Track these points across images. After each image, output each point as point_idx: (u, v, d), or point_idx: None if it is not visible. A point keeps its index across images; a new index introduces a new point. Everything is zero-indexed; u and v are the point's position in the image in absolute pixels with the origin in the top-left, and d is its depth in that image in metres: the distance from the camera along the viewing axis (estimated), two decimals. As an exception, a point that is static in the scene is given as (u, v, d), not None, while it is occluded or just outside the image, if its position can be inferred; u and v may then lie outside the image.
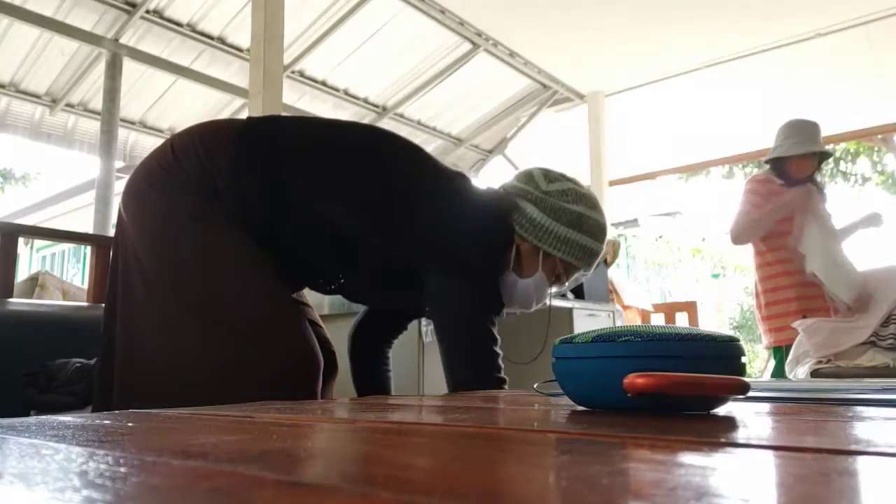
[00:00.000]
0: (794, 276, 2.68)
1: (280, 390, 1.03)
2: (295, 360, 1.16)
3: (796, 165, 2.76)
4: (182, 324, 1.12)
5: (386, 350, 1.54)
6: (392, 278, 1.30)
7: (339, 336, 2.19)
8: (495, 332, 1.23)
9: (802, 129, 2.78)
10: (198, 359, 1.10)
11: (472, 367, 1.20)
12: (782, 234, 2.68)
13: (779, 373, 2.70)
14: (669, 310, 4.43)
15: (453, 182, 1.26)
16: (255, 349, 1.12)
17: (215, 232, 1.15)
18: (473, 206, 1.26)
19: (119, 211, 1.25)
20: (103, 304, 1.25)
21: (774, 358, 2.80)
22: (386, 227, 1.22)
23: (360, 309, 1.54)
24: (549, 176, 1.30)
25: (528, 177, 1.31)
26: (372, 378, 1.49)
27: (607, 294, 3.48)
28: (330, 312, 2.25)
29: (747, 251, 2.92)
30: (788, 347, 2.63)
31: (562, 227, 1.24)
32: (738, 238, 2.76)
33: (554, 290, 1.34)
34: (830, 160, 9.82)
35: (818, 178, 2.91)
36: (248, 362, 1.11)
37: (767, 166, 2.84)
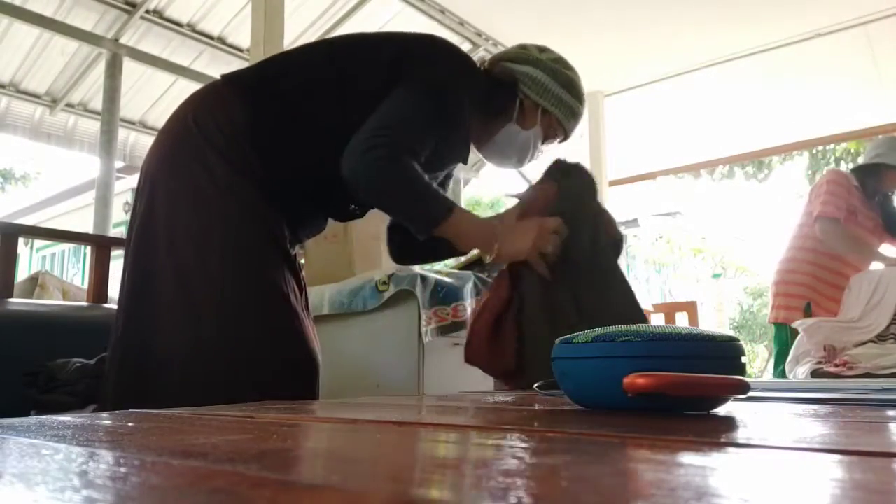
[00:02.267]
0: (813, 266, 2.70)
1: (280, 391, 1.03)
2: (296, 362, 1.16)
3: (887, 178, 2.75)
4: (183, 318, 1.12)
5: None
6: None
7: (340, 335, 2.19)
8: (425, 141, 1.20)
9: None
10: (203, 355, 1.10)
11: (379, 133, 1.14)
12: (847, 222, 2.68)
13: (782, 353, 2.71)
14: (669, 310, 4.43)
15: (458, 50, 1.35)
16: (258, 350, 1.12)
17: (244, 209, 1.16)
18: (474, 65, 1.34)
19: (142, 200, 1.22)
20: (104, 304, 1.25)
21: (778, 339, 2.80)
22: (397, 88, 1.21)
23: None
24: (540, 47, 1.40)
25: (522, 47, 1.41)
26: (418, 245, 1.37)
27: (607, 294, 3.48)
28: (329, 312, 2.25)
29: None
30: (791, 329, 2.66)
31: (558, 87, 1.35)
32: (826, 242, 2.71)
33: (542, 147, 1.42)
34: (829, 160, 9.84)
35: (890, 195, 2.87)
36: (248, 362, 1.11)
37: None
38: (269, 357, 1.13)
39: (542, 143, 1.41)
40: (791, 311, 2.71)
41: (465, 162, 1.39)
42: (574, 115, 1.39)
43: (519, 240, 1.17)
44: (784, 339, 2.72)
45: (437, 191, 1.19)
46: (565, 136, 1.43)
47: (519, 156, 1.41)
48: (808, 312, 2.59)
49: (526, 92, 1.34)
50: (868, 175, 2.76)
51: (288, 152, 1.22)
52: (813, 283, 2.72)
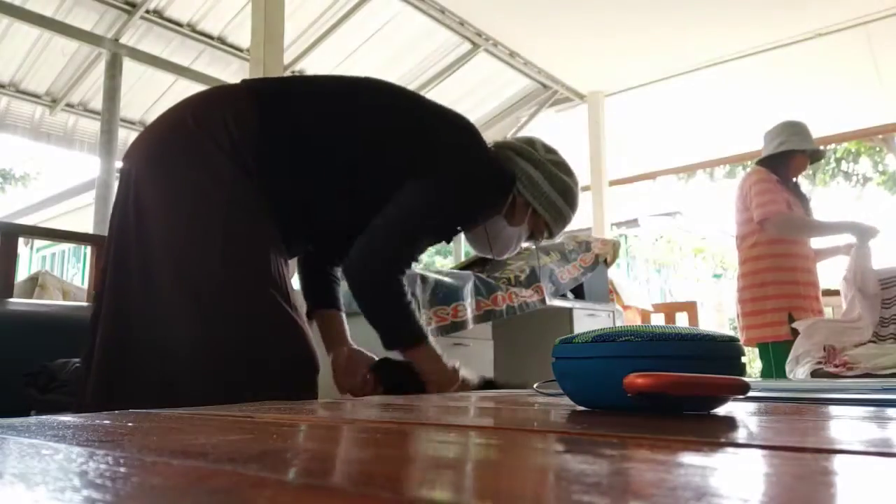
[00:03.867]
0: (783, 274, 2.69)
1: (280, 391, 1.03)
2: (296, 362, 1.16)
3: (798, 162, 2.77)
4: (185, 315, 1.11)
5: (335, 269, 1.53)
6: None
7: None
8: (422, 247, 1.32)
9: (800, 128, 2.79)
10: (199, 356, 1.10)
11: (382, 251, 1.25)
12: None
13: (767, 373, 2.69)
14: (669, 310, 4.43)
15: (470, 126, 1.38)
16: (258, 349, 1.12)
17: (244, 212, 1.16)
18: (485, 149, 1.37)
19: (125, 196, 1.21)
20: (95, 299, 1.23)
21: (762, 358, 2.77)
22: (406, 154, 1.28)
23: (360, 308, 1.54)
24: (547, 147, 1.44)
25: (529, 142, 1.44)
26: (316, 286, 1.47)
27: (607, 294, 3.48)
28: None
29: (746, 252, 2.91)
30: (775, 345, 2.63)
31: (554, 191, 1.38)
32: (788, 234, 2.71)
33: (524, 244, 1.47)
34: (830, 160, 9.84)
35: (797, 179, 2.90)
36: (250, 362, 1.11)
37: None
38: (271, 355, 1.13)
39: (526, 240, 1.45)
40: (775, 326, 2.67)
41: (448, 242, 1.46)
42: (563, 221, 1.42)
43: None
44: (769, 356, 2.69)
45: (415, 316, 1.28)
46: (550, 237, 1.46)
47: (499, 249, 1.44)
48: (791, 320, 2.55)
49: (521, 189, 1.37)
50: (778, 164, 2.75)
51: (288, 171, 1.23)
52: (787, 291, 2.68)
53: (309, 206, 1.27)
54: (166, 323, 1.12)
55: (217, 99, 1.27)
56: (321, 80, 1.37)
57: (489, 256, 1.50)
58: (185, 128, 1.19)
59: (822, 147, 2.78)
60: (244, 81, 1.31)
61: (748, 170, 3.02)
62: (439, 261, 9.63)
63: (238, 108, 1.21)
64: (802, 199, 2.83)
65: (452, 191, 1.29)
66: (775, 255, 2.71)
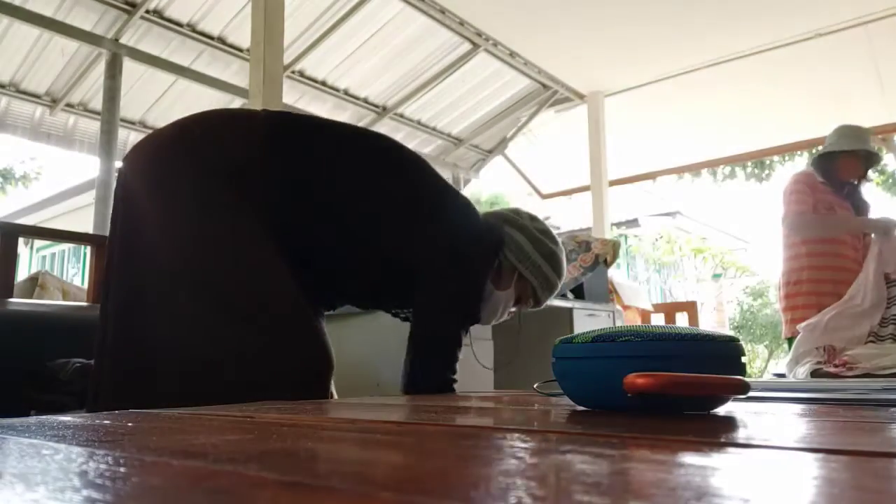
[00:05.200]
0: (822, 272, 2.71)
1: (297, 389, 1.04)
2: (313, 360, 1.16)
3: (843, 164, 2.77)
4: (205, 317, 1.11)
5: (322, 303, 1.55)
6: (386, 283, 1.35)
7: (340, 335, 2.19)
8: (464, 338, 1.35)
9: (851, 130, 2.79)
10: (220, 354, 1.10)
11: (437, 366, 1.31)
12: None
13: None
14: (669, 310, 4.43)
15: (458, 194, 1.41)
16: (276, 347, 1.12)
17: (245, 224, 1.16)
18: (475, 217, 1.41)
19: (122, 203, 1.22)
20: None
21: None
22: (398, 229, 1.29)
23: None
24: (533, 217, 1.47)
25: (516, 211, 1.48)
26: None
27: (607, 294, 3.48)
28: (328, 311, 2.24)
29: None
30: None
31: (539, 257, 1.40)
32: (802, 233, 2.74)
33: (511, 310, 1.48)
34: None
35: (863, 183, 2.89)
36: (269, 360, 1.12)
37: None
38: (292, 356, 1.14)
39: (513, 306, 1.47)
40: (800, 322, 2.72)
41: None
42: (549, 286, 1.44)
43: None
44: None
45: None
46: (536, 304, 1.48)
47: (487, 316, 1.45)
48: None
49: (507, 255, 1.40)
50: (827, 167, 2.77)
51: (290, 209, 1.23)
52: (818, 289, 2.71)
53: (303, 237, 1.27)
54: (178, 324, 1.12)
55: (234, 121, 1.28)
56: (338, 127, 1.37)
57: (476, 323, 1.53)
58: (194, 138, 1.20)
59: (875, 148, 2.77)
60: (264, 111, 1.33)
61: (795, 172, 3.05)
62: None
63: (253, 137, 1.22)
64: (856, 201, 2.81)
65: (462, 277, 1.32)
66: (811, 254, 2.73)
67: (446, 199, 1.37)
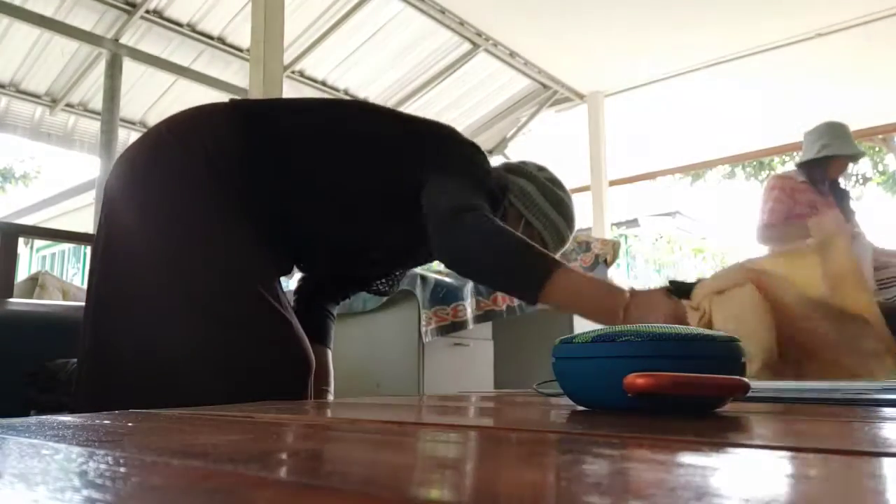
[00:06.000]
0: None
1: (275, 390, 1.03)
2: (289, 360, 1.16)
3: (838, 165, 2.78)
4: (184, 317, 1.11)
5: (331, 305, 1.51)
6: (377, 232, 1.29)
7: (341, 335, 2.19)
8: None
9: (843, 131, 2.80)
10: (198, 356, 1.10)
11: (471, 221, 1.13)
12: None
13: None
14: (669, 310, 4.42)
15: (456, 133, 1.33)
16: (251, 348, 1.12)
17: (225, 220, 1.15)
18: (480, 160, 1.30)
19: (107, 207, 1.21)
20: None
21: None
22: (396, 174, 1.23)
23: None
24: (541, 167, 1.42)
25: (522, 162, 1.42)
26: (309, 321, 1.41)
27: (607, 294, 3.47)
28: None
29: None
30: None
31: (547, 203, 1.34)
32: (765, 241, 2.76)
33: None
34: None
35: (842, 179, 2.92)
36: (247, 360, 1.11)
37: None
38: (267, 356, 1.13)
39: None
40: None
41: None
42: (559, 234, 1.35)
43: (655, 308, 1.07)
44: None
45: (533, 245, 1.14)
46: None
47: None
48: None
49: (512, 200, 1.33)
50: (820, 168, 2.77)
51: (269, 189, 1.20)
52: None
53: (291, 224, 1.24)
54: (156, 325, 1.12)
55: (200, 115, 1.25)
56: (309, 102, 1.33)
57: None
58: (161, 139, 1.19)
59: (857, 151, 2.78)
60: (232, 100, 1.30)
61: (773, 173, 3.07)
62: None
63: (220, 124, 1.20)
64: (840, 198, 2.83)
65: (461, 168, 1.24)
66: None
67: (440, 139, 1.28)
